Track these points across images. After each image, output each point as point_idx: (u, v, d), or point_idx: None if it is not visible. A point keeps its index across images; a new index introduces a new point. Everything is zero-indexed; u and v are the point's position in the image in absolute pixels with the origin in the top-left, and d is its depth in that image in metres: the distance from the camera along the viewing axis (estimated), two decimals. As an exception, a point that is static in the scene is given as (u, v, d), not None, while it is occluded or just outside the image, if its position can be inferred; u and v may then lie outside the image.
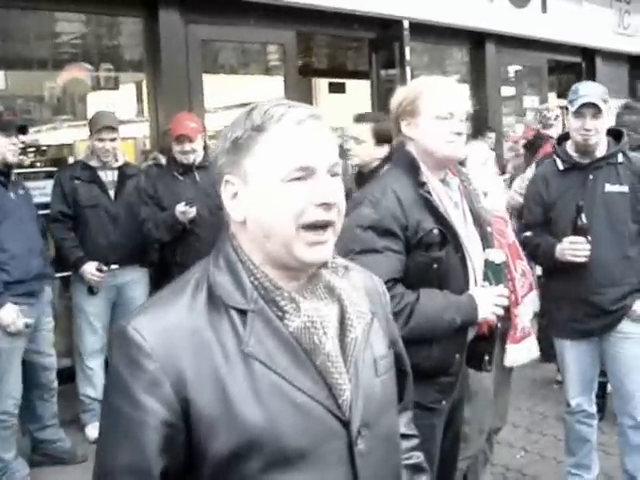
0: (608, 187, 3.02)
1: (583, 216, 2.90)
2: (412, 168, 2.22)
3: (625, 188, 3.00)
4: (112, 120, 4.37)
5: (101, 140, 4.22)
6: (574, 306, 3.06)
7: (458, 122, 2.21)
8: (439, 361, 2.19)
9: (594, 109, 2.94)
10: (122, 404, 1.10)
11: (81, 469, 3.80)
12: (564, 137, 3.22)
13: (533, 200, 3.23)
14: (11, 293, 3.54)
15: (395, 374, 1.32)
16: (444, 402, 2.27)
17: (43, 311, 3.84)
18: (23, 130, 3.91)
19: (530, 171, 4.75)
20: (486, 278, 2.26)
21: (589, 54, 9.71)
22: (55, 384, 3.97)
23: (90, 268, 4.13)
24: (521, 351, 3.15)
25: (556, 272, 3.10)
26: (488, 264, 2.27)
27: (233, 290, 1.16)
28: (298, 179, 1.14)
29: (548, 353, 5.25)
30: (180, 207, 3.98)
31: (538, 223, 3.19)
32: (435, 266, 2.17)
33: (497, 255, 2.29)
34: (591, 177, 3.04)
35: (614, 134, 3.12)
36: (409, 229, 2.14)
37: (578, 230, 2.92)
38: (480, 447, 3.10)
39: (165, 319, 1.13)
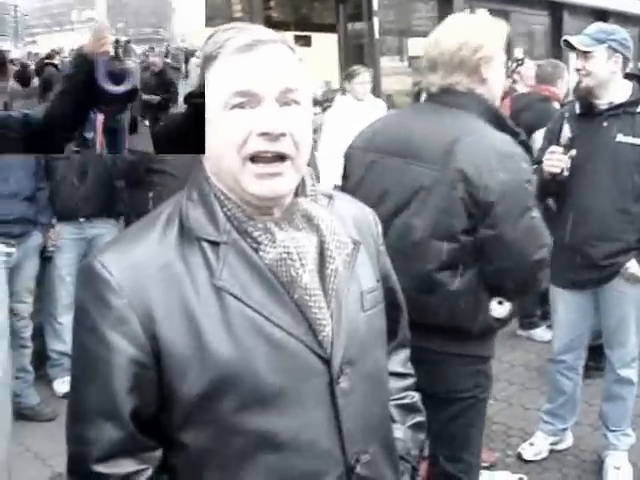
0: (620, 137, 2.87)
1: (566, 128, 2.82)
2: (496, 117, 2.08)
3: (638, 140, 2.85)
4: None
5: None
6: (569, 255, 2.97)
7: None
8: None
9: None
10: (89, 342, 1.07)
11: (48, 426, 3.73)
12: None
13: (547, 137, 3.12)
14: None
15: (384, 309, 1.27)
16: None
17: (26, 255, 3.75)
18: None
19: None
20: None
21: (556, 8, 9.70)
22: (27, 334, 3.87)
23: None
24: None
25: (555, 218, 2.97)
26: None
27: (206, 222, 1.10)
28: (241, 106, 1.07)
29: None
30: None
31: None
32: None
33: None
34: (605, 124, 2.91)
35: None
36: None
37: (560, 145, 2.84)
38: None
39: (134, 254, 1.08)
